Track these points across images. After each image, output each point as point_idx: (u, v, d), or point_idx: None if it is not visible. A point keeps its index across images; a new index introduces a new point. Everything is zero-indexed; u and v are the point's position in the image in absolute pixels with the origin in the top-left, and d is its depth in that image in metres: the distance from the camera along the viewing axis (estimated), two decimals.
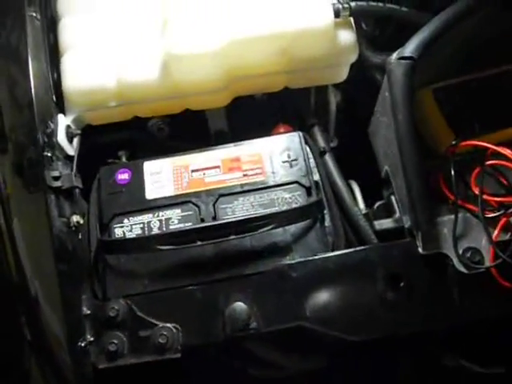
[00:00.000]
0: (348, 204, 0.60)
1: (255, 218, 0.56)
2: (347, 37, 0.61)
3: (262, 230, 0.56)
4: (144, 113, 0.66)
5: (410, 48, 0.50)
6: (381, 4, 0.60)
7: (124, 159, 0.68)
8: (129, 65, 0.61)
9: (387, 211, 0.62)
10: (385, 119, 0.57)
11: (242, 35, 0.58)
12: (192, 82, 0.61)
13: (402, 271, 0.53)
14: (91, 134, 0.68)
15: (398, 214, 0.60)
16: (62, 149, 0.60)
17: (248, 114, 0.73)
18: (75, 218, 0.58)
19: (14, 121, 0.57)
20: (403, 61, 0.50)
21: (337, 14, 0.59)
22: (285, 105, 0.71)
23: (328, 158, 0.63)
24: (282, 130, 0.68)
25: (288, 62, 0.62)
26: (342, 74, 0.67)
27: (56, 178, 0.55)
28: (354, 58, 0.63)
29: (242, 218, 0.56)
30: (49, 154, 0.56)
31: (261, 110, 0.72)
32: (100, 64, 0.61)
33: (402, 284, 0.52)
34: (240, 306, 0.52)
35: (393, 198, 0.61)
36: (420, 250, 0.53)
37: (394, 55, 0.51)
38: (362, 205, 0.67)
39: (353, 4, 0.59)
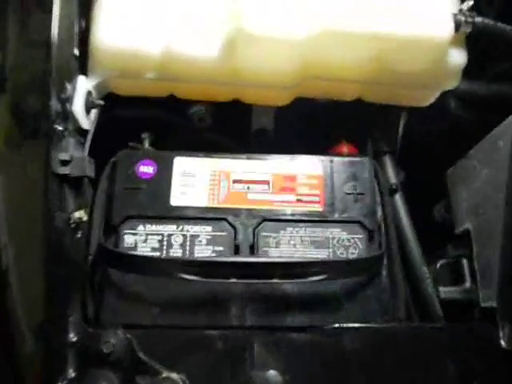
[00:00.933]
0: (416, 260, 0.49)
1: (306, 263, 0.44)
2: (458, 57, 0.49)
3: (312, 279, 0.44)
4: (185, 94, 0.53)
5: None
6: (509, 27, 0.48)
7: (147, 144, 0.55)
8: (182, 32, 0.47)
9: (453, 275, 0.52)
10: (488, 172, 0.46)
11: (336, 28, 0.45)
12: (258, 72, 0.48)
13: (477, 366, 0.43)
14: (112, 105, 0.55)
15: (468, 284, 0.50)
16: (76, 121, 0.46)
17: (303, 119, 0.61)
18: (78, 214, 0.45)
19: (20, 64, 0.42)
20: None
21: (457, 27, 0.47)
22: (351, 118, 0.59)
23: (399, 198, 0.52)
24: (345, 149, 0.56)
25: (378, 71, 0.50)
26: (430, 98, 0.55)
27: (65, 163, 0.41)
28: (455, 83, 0.52)
29: (290, 260, 0.45)
30: (60, 128, 0.42)
31: (321, 118, 0.60)
32: (146, 22, 0.47)
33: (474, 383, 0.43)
34: (274, 376, 0.41)
35: (464, 262, 0.51)
36: (503, 343, 0.43)
37: None
38: None
39: (478, 19, 0.47)
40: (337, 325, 0.44)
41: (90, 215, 0.49)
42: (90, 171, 0.45)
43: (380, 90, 0.53)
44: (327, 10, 0.45)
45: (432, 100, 0.55)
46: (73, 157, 0.42)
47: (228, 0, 0.47)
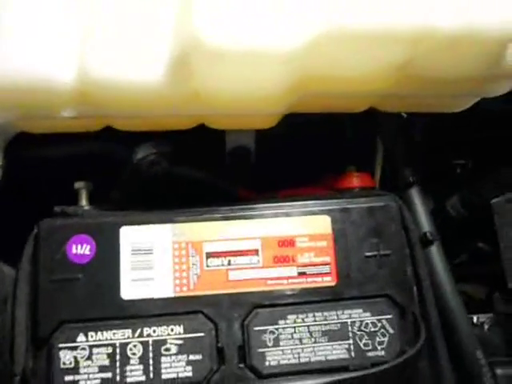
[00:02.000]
0: (463, 340, 0.36)
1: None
2: None
3: None
4: (127, 127, 0.37)
5: None
6: None
7: (84, 200, 0.39)
8: (104, 52, 0.30)
9: (505, 339, 0.40)
10: None
11: (344, 27, 0.29)
12: (229, 98, 0.32)
13: None
14: (25, 148, 0.38)
15: None
16: None
17: (294, 134, 0.45)
18: None
19: None
20: None
21: None
22: (360, 133, 0.43)
23: (435, 250, 0.38)
24: (354, 179, 0.41)
25: (402, 81, 0.34)
26: (466, 104, 0.40)
27: None
28: (508, 88, 0.37)
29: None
30: None
31: (318, 133, 0.44)
32: (50, 38, 0.30)
33: None
34: None
35: None
36: None
37: None
38: None
39: None
40: None
41: (12, 320, 0.35)
42: None
43: (401, 100, 0.38)
44: (331, 2, 0.28)
45: (467, 105, 0.40)
46: None
47: (174, 1, 0.30)
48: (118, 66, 0.30)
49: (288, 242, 0.36)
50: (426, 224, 0.39)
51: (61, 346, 0.33)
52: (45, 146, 0.38)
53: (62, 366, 0.33)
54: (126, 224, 0.35)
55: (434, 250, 0.38)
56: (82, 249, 0.34)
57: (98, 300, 0.34)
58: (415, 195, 0.40)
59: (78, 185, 0.39)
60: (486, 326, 0.40)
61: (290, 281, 0.35)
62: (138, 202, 0.37)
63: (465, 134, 0.45)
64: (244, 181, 0.46)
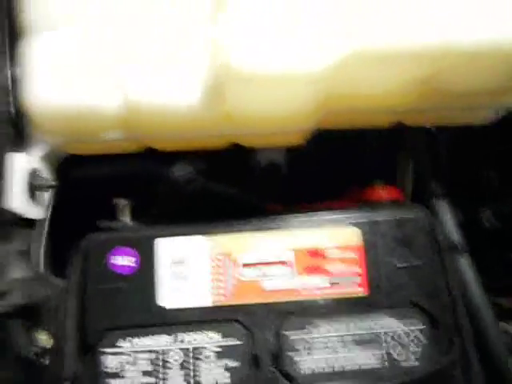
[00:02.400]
0: (496, 350, 0.37)
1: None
2: None
3: None
4: (166, 147, 0.40)
5: None
6: None
7: (125, 215, 0.42)
8: (144, 78, 0.33)
9: None
10: None
11: (369, 47, 0.31)
12: (259, 118, 0.34)
13: None
14: (74, 165, 0.42)
15: None
16: (15, 216, 0.33)
17: (323, 149, 0.47)
18: (38, 343, 0.33)
19: None
20: None
21: None
22: (390, 148, 0.45)
23: (464, 260, 0.39)
24: (382, 192, 0.43)
25: (427, 95, 0.36)
26: (491, 115, 0.41)
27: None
28: None
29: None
30: None
31: (347, 147, 0.46)
32: (94, 66, 0.34)
33: None
34: None
35: None
36: None
37: None
38: None
39: None
40: None
41: (62, 328, 0.37)
42: (43, 291, 0.33)
43: (426, 114, 0.39)
44: (355, 24, 0.30)
45: (499, 116, 0.41)
46: (11, 282, 0.29)
47: (206, 28, 0.32)
48: (157, 93, 0.33)
49: (319, 253, 0.37)
50: (455, 235, 0.39)
51: (107, 351, 0.35)
52: (91, 166, 0.42)
53: (107, 370, 0.35)
54: (164, 236, 0.37)
55: (464, 261, 0.38)
56: (123, 260, 0.37)
57: (141, 308, 0.36)
58: (444, 207, 0.40)
59: (120, 202, 0.42)
60: None
61: (322, 291, 0.36)
62: (175, 217, 0.39)
63: (490, 146, 0.45)
64: (274, 195, 0.48)
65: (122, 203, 0.42)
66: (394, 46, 0.31)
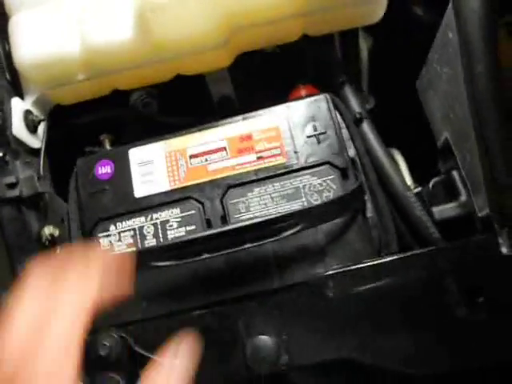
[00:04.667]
0: (397, 186, 0.46)
1: (277, 219, 0.42)
2: None
3: (286, 234, 0.42)
4: (124, 84, 0.51)
5: None
6: None
7: (107, 145, 0.54)
8: (93, 23, 0.45)
9: (447, 191, 0.48)
10: (447, 70, 0.41)
11: None
12: (180, 39, 0.45)
13: (481, 281, 0.39)
14: (64, 116, 0.55)
15: (464, 197, 0.46)
16: (21, 143, 0.46)
17: (258, 74, 0.58)
18: (47, 231, 0.46)
19: None
20: None
21: None
22: (304, 59, 0.55)
23: (366, 126, 0.48)
24: (302, 92, 0.52)
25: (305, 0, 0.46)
26: (378, 12, 0.50)
27: (11, 186, 0.42)
28: None
29: (260, 219, 0.42)
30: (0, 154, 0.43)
31: (273, 68, 0.56)
32: (58, 26, 0.46)
33: (480, 299, 0.39)
34: (264, 340, 0.40)
35: (455, 173, 0.47)
36: (504, 249, 0.39)
37: None
38: (409, 181, 0.53)
39: None
40: (320, 274, 0.42)
41: (69, 227, 0.50)
42: (43, 187, 0.45)
43: (319, 20, 0.49)
44: None
45: (381, 14, 0.50)
46: (19, 178, 0.42)
47: None
48: (101, 32, 0.45)
49: (247, 137, 0.48)
50: (356, 107, 0.49)
51: (100, 234, 0.47)
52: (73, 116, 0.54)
53: (102, 248, 0.47)
54: (133, 147, 0.49)
55: (366, 126, 0.48)
56: (105, 169, 0.49)
57: (120, 201, 0.48)
58: (347, 89, 0.50)
59: (101, 137, 0.55)
60: (431, 185, 0.49)
61: (251, 164, 0.47)
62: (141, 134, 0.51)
63: None
64: None
65: (103, 137, 0.55)
66: None
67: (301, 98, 0.52)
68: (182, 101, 0.56)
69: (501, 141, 0.37)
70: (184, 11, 0.43)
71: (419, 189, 0.50)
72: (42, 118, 0.48)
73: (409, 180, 0.53)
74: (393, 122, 0.54)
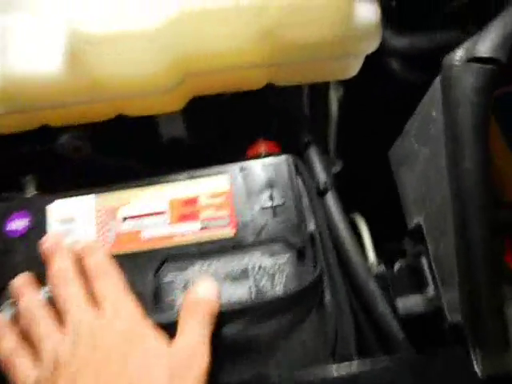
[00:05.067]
0: (360, 275, 0.40)
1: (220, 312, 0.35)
2: (369, 13, 0.39)
3: (228, 330, 0.35)
4: (54, 121, 0.44)
5: (490, 44, 0.28)
6: None
7: (32, 189, 0.46)
8: (15, 50, 0.37)
9: (413, 279, 0.42)
10: (426, 151, 0.36)
11: (196, 7, 0.35)
12: (121, 79, 0.38)
13: None
14: None
15: (431, 290, 0.40)
16: None
17: (213, 120, 0.51)
18: None
19: None
20: (479, 65, 0.29)
21: None
22: (267, 109, 0.49)
23: (330, 197, 0.42)
24: (262, 148, 0.46)
25: (273, 50, 0.39)
26: (354, 67, 0.45)
27: None
28: (375, 45, 0.41)
29: None
30: None
31: (231, 115, 0.50)
32: None
33: None
34: None
35: (424, 261, 0.41)
36: (478, 371, 0.34)
37: (459, 53, 0.30)
38: (372, 257, 0.48)
39: None
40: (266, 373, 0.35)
41: None
42: None
43: (288, 70, 0.43)
44: None
45: (357, 69, 0.45)
46: None
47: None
48: (25, 62, 0.37)
49: (191, 201, 0.41)
50: (321, 175, 0.43)
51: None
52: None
53: None
54: (54, 199, 0.41)
55: (330, 198, 0.42)
56: (18, 223, 0.41)
57: (33, 266, 0.40)
58: (312, 151, 0.44)
59: (26, 179, 0.46)
60: (395, 268, 0.43)
61: (194, 234, 0.40)
62: (69, 184, 0.43)
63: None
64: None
65: (27, 178, 0.46)
66: (216, 6, 0.35)
67: (259, 155, 0.46)
68: (121, 139, 0.49)
69: (485, 245, 0.32)
70: (128, 48, 0.36)
71: (382, 268, 0.45)
72: None
73: (372, 255, 0.48)
74: (359, 186, 0.49)
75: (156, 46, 0.36)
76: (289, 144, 0.47)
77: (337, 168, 0.48)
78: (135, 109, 0.44)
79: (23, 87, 0.38)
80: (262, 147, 0.46)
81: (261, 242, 0.39)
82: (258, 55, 0.39)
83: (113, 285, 0.36)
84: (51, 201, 0.41)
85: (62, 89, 0.38)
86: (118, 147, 0.49)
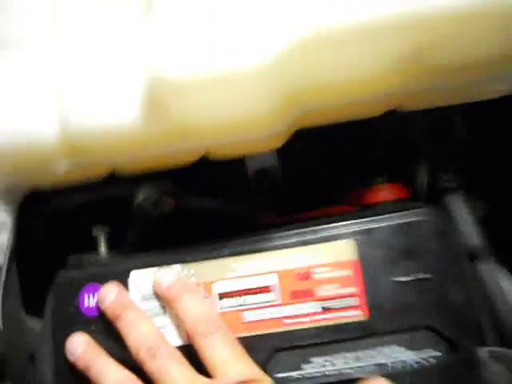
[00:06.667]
0: None
1: None
2: None
3: None
4: (125, 170, 0.36)
5: None
6: None
7: (101, 245, 0.38)
8: (77, 98, 0.29)
9: None
10: None
11: (318, 32, 0.25)
12: (212, 124, 0.29)
13: None
14: (40, 203, 0.39)
15: None
16: None
17: (316, 148, 0.41)
18: None
19: None
20: None
21: None
22: (382, 139, 0.38)
23: (488, 268, 0.32)
24: (382, 192, 0.36)
25: (415, 73, 0.29)
26: (504, 88, 0.34)
27: None
28: None
29: None
30: None
31: (335, 144, 0.40)
32: (28, 97, 0.30)
33: None
34: None
35: None
36: None
37: None
38: None
39: None
40: None
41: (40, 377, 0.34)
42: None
43: (426, 95, 0.33)
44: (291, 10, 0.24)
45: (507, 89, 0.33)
46: None
47: (134, 40, 0.28)
48: (95, 115, 0.29)
49: (305, 273, 0.32)
50: (474, 237, 0.32)
51: None
52: (59, 198, 0.39)
53: None
54: (133, 268, 0.34)
55: (489, 268, 0.31)
56: (93, 300, 0.33)
57: (114, 350, 0.32)
58: (457, 202, 0.33)
59: (95, 231, 0.39)
60: None
61: (311, 317, 0.31)
62: (152, 243, 0.36)
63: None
64: (274, 205, 0.43)
65: (97, 232, 0.39)
66: (364, 20, 0.25)
67: (379, 202, 0.36)
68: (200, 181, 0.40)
69: None
70: (226, 91, 0.26)
71: None
72: (8, 220, 0.33)
73: None
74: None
75: (261, 84, 0.26)
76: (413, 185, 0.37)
77: (480, 213, 0.37)
78: (225, 152, 0.35)
79: (93, 143, 0.31)
80: (385, 193, 0.36)
81: (401, 330, 0.30)
82: (393, 83, 0.29)
83: None
84: (128, 269, 0.34)
85: (138, 141, 0.30)
86: (204, 187, 0.40)
